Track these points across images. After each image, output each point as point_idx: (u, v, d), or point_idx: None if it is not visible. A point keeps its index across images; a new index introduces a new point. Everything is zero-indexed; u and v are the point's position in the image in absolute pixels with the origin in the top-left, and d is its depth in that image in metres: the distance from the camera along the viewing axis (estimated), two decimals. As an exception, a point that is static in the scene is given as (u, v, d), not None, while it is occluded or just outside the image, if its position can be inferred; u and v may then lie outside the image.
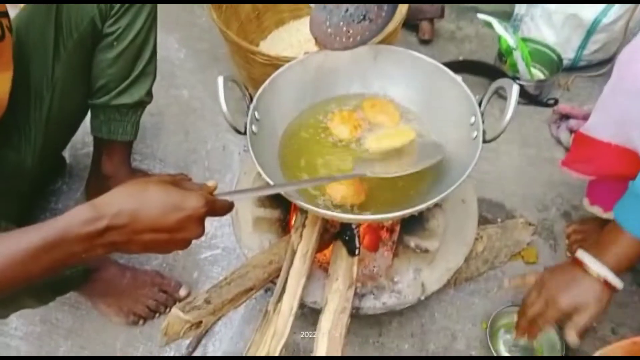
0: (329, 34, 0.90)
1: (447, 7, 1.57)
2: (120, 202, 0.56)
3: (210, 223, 1.18)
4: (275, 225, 0.96)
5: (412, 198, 0.83)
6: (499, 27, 1.34)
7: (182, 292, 1.07)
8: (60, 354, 1.04)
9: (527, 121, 1.40)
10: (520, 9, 1.51)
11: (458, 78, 0.89)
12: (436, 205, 0.92)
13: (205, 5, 1.21)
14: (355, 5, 0.89)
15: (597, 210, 1.05)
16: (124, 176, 1.14)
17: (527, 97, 1.40)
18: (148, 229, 0.56)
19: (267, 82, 0.90)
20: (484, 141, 0.81)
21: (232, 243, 1.15)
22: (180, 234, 0.58)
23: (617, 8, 1.32)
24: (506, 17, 1.51)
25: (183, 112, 1.41)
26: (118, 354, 1.03)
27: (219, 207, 0.62)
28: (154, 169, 1.27)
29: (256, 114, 0.87)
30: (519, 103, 0.78)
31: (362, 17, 0.88)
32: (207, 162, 1.30)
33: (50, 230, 0.55)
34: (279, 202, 0.95)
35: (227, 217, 1.18)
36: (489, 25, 1.37)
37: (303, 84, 0.94)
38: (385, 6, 0.88)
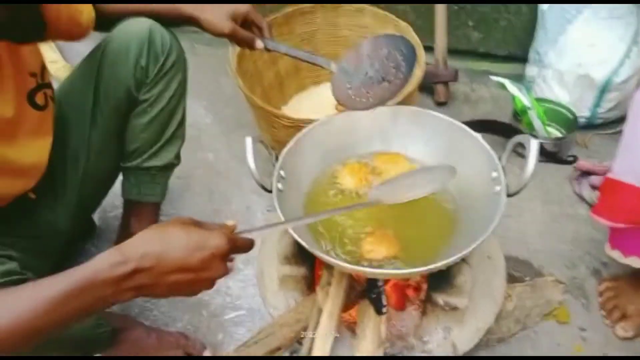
0: (350, 96, 0.94)
1: (461, 71, 1.63)
2: (145, 244, 0.58)
3: (235, 283, 1.19)
4: (301, 283, 0.96)
5: (439, 253, 0.83)
6: (512, 87, 1.39)
7: (207, 354, 1.06)
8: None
9: (547, 178, 1.41)
10: (531, 70, 1.56)
11: (477, 135, 0.92)
12: (463, 261, 0.92)
13: (230, 73, 1.28)
14: (375, 68, 0.94)
15: (617, 255, 1.03)
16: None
17: (546, 155, 1.42)
18: (174, 270, 0.58)
19: (292, 141, 0.93)
20: (508, 195, 0.82)
21: (256, 304, 1.14)
22: (204, 273, 0.60)
23: (627, 67, 1.36)
24: (518, 79, 1.56)
25: (208, 175, 1.45)
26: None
27: (241, 244, 0.64)
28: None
29: (282, 172, 0.89)
30: (538, 161, 0.79)
31: (381, 79, 0.93)
32: (231, 220, 1.32)
33: (79, 275, 0.57)
34: (304, 259, 0.96)
35: (252, 276, 1.19)
36: (502, 86, 1.42)
37: (326, 143, 0.98)
38: (403, 68, 0.93)
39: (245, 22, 1.02)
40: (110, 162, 1.11)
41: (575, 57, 1.43)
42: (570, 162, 1.42)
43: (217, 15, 0.99)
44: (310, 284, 0.97)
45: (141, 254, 0.57)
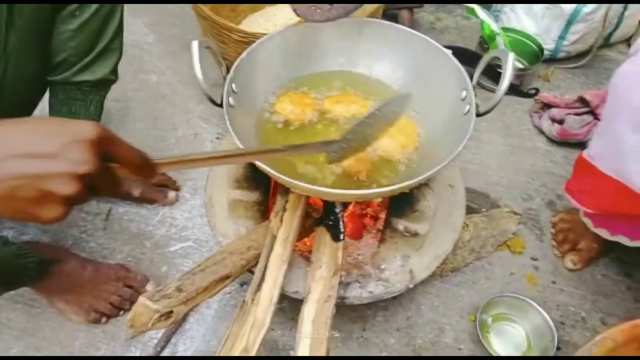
0: (310, 7, 0.83)
1: (427, -2, 1.54)
2: None
3: (180, 214, 1.10)
4: (253, 209, 0.89)
5: (400, 175, 0.78)
6: (481, 12, 1.32)
7: (149, 287, 0.98)
8: (12, 355, 0.93)
9: (508, 111, 1.38)
10: (500, -1, 1.50)
11: (447, 52, 0.85)
12: (426, 185, 0.87)
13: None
14: None
15: (603, 233, 1.01)
16: None
17: (508, 87, 1.38)
18: (16, 154, 0.41)
19: (245, 52, 0.83)
20: (478, 115, 0.76)
21: (204, 235, 1.07)
22: (60, 163, 0.42)
23: (597, -3, 1.32)
24: (486, 8, 1.49)
25: (151, 98, 1.32)
26: (77, 354, 0.93)
27: (126, 151, 0.46)
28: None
29: (233, 86, 0.80)
30: (492, 90, 0.74)
31: None
32: (177, 150, 1.22)
33: None
34: (258, 183, 0.88)
35: (199, 206, 1.11)
36: (471, 11, 1.35)
37: (284, 56, 0.88)
38: None
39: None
40: (34, 74, 0.96)
41: (545, -15, 1.37)
42: (531, 95, 1.39)
43: None
44: (263, 212, 0.91)
45: None
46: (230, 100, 0.78)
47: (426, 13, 1.61)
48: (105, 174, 0.45)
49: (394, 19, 1.54)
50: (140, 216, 1.09)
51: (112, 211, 1.09)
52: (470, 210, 1.16)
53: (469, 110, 0.78)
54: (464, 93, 0.80)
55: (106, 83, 1.01)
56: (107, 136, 0.44)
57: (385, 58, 0.91)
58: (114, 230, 1.07)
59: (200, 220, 1.09)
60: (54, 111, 1.00)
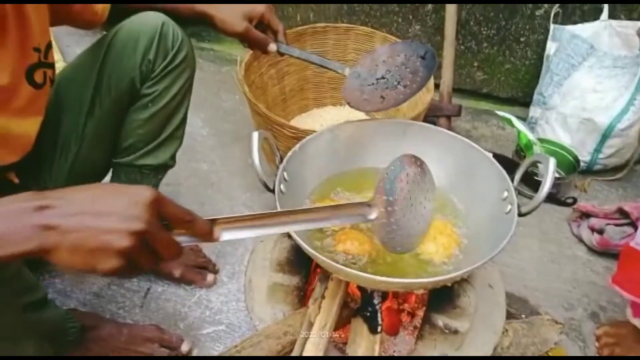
0: (363, 99, 0.91)
1: (463, 109, 1.63)
2: (65, 189, 0.51)
3: (216, 297, 1.11)
4: (292, 295, 0.90)
5: (447, 271, 0.79)
6: (518, 123, 1.39)
7: (185, 348, 0.98)
8: None
9: (546, 218, 1.38)
10: (535, 112, 1.57)
11: (488, 154, 0.89)
12: (467, 282, 0.87)
13: (236, 85, 1.25)
14: (391, 73, 0.92)
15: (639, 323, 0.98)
16: None
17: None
18: (83, 211, 0.48)
19: (297, 145, 0.90)
20: (520, 214, 0.79)
21: (238, 320, 1.07)
22: (117, 221, 0.48)
23: (631, 114, 1.38)
24: (521, 119, 1.57)
25: (200, 185, 1.40)
26: None
27: (174, 209, 0.52)
28: (165, 237, 1.23)
29: (285, 174, 0.85)
30: (529, 197, 0.77)
31: (396, 83, 0.91)
32: (219, 235, 1.26)
33: None
34: (299, 268, 0.90)
35: (236, 290, 1.12)
36: (508, 121, 1.42)
37: (332, 151, 0.94)
38: (421, 72, 0.90)
39: (261, 24, 1.00)
40: (102, 156, 1.05)
41: (579, 101, 1.44)
42: (569, 204, 1.40)
43: (232, 14, 0.97)
44: (301, 298, 0.91)
45: (55, 194, 0.49)
46: (282, 187, 0.83)
47: (462, 122, 1.69)
48: (158, 232, 0.51)
49: (433, 125, 1.63)
50: (177, 296, 1.11)
51: (150, 290, 1.12)
52: (508, 316, 1.12)
53: (510, 210, 0.80)
54: (505, 193, 0.83)
55: (165, 168, 1.09)
56: (161, 198, 0.51)
57: (427, 158, 0.96)
58: (151, 309, 1.08)
59: (235, 305, 1.09)
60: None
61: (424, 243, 0.82)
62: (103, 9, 0.93)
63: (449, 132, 0.95)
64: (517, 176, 0.84)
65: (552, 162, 0.77)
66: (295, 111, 1.54)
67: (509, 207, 0.81)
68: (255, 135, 0.80)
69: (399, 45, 0.96)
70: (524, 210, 0.79)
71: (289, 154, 0.88)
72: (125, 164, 1.05)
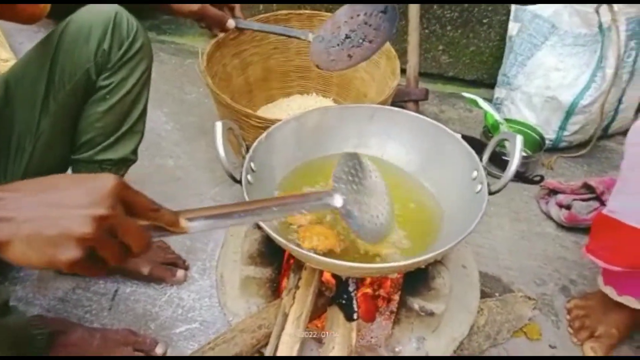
0: (331, 60, 0.93)
1: (430, 93, 1.64)
2: (23, 181, 0.48)
3: (188, 294, 1.08)
4: (265, 287, 0.88)
5: (419, 253, 0.78)
6: (484, 104, 1.39)
7: (159, 350, 0.95)
8: None
9: (515, 197, 1.40)
10: (500, 92, 1.59)
11: (457, 135, 0.89)
12: (440, 264, 0.87)
13: (199, 78, 1.21)
14: (355, 32, 0.93)
15: (609, 291, 1.00)
16: None
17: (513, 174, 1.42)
18: (41, 201, 0.45)
19: (264, 134, 0.88)
20: (490, 193, 0.79)
21: (212, 316, 1.04)
22: (79, 208, 0.45)
23: (592, 91, 1.40)
24: (486, 100, 1.58)
25: (165, 181, 1.36)
26: None
27: (141, 199, 0.50)
28: (131, 235, 1.19)
29: (252, 165, 0.83)
30: (497, 177, 0.78)
31: (361, 40, 0.92)
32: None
33: None
34: (271, 260, 0.88)
35: (208, 287, 1.09)
36: (474, 103, 1.43)
37: (299, 139, 0.92)
38: (383, 27, 0.91)
39: (215, 4, 0.98)
40: (59, 154, 1.00)
41: (543, 80, 1.46)
42: (536, 182, 1.42)
43: None
44: (274, 290, 0.89)
45: (7, 187, 0.47)
46: (249, 177, 0.81)
47: (430, 105, 1.70)
48: (124, 219, 0.48)
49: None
50: (147, 296, 1.07)
51: (118, 291, 1.08)
52: (483, 295, 1.13)
53: (480, 189, 0.80)
54: (475, 173, 0.83)
55: (126, 162, 1.05)
56: (124, 185, 0.49)
57: (396, 141, 0.96)
58: (119, 311, 1.04)
59: (208, 301, 1.06)
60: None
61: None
62: (46, 4, 0.88)
63: (417, 114, 0.94)
64: (486, 155, 0.84)
65: (519, 139, 0.77)
66: (261, 101, 1.51)
67: (479, 186, 0.80)
68: (219, 124, 0.77)
69: (358, 5, 0.96)
70: (493, 188, 0.79)
71: (255, 143, 0.86)
72: (84, 159, 1.00)
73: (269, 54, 1.46)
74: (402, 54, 1.53)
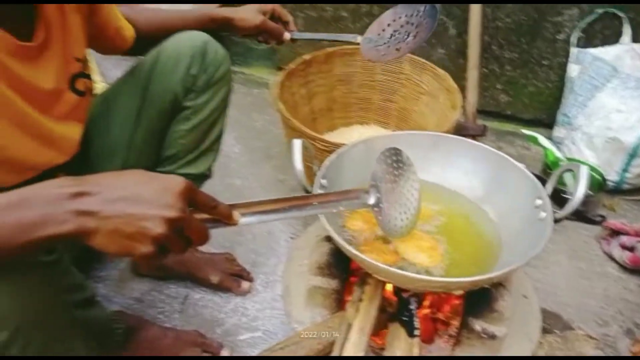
0: (381, 55, 1.06)
1: (488, 129, 1.66)
2: (100, 175, 0.55)
3: (252, 304, 1.14)
4: (330, 298, 0.92)
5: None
6: (544, 140, 1.41)
7: (225, 353, 1.01)
8: None
9: (574, 235, 1.39)
10: (560, 132, 1.60)
11: (519, 164, 0.92)
12: (503, 287, 0.88)
13: (266, 107, 1.32)
14: (398, 32, 1.06)
15: None
16: None
17: (573, 213, 1.40)
18: (121, 197, 0.53)
19: (333, 155, 0.94)
20: (555, 220, 0.81)
21: (274, 326, 1.09)
22: (155, 209, 0.53)
23: (657, 133, 1.39)
24: (547, 138, 1.59)
25: (234, 199, 1.41)
26: None
27: (202, 197, 0.58)
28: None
29: (324, 181, 0.89)
30: (565, 218, 0.81)
31: (406, 36, 1.04)
32: (252, 245, 1.30)
33: (25, 189, 0.52)
34: (339, 272, 0.93)
35: (270, 299, 1.14)
36: (533, 140, 1.45)
37: (367, 160, 0.97)
38: (424, 23, 1.03)
39: (272, 18, 1.11)
40: (145, 166, 1.10)
41: (604, 121, 1.46)
42: (598, 222, 1.41)
43: (248, 12, 1.09)
44: (339, 302, 0.93)
45: (91, 180, 0.54)
46: (320, 192, 0.87)
47: (487, 142, 1.71)
48: (191, 219, 0.56)
49: (458, 145, 1.66)
50: (214, 303, 1.14)
51: (189, 296, 1.15)
52: (542, 330, 1.12)
53: (545, 216, 0.82)
54: (538, 201, 0.86)
55: (203, 178, 1.14)
56: (192, 188, 0.57)
57: (458, 169, 0.99)
58: (189, 314, 1.11)
59: (270, 312, 1.12)
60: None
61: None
62: (130, 37, 1.01)
63: (479, 143, 0.98)
64: (549, 186, 0.86)
65: (584, 169, 0.79)
66: (323, 130, 1.59)
67: (543, 214, 0.82)
68: (297, 142, 0.84)
69: (399, 8, 1.09)
70: (558, 215, 0.80)
71: (326, 162, 0.92)
72: (167, 172, 1.09)
73: (333, 85, 1.55)
74: (461, 91, 1.58)
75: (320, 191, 0.87)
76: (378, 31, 1.09)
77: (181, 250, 0.57)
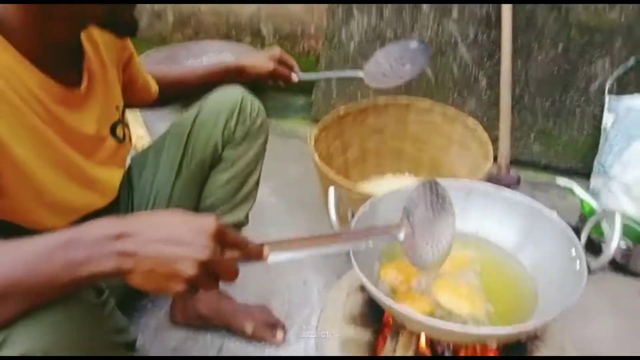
0: (386, 82, 1.23)
1: (522, 180, 1.66)
2: (137, 216, 0.59)
3: (286, 355, 1.14)
4: (364, 350, 0.92)
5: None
6: (580, 191, 1.40)
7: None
8: None
9: (616, 290, 1.34)
10: (596, 182, 1.58)
11: (553, 213, 0.92)
12: (539, 340, 0.87)
13: (301, 157, 1.38)
14: (392, 65, 1.23)
15: None
16: (210, 296, 1.17)
17: (614, 266, 1.37)
18: (158, 239, 0.56)
19: (367, 203, 0.96)
20: (590, 272, 0.80)
21: (306, 377, 1.09)
22: (188, 249, 0.56)
23: (698, 184, 1.36)
24: (583, 188, 1.57)
25: (268, 248, 1.47)
26: None
27: (232, 236, 0.61)
28: (235, 295, 1.30)
29: (357, 229, 0.91)
30: (605, 271, 0.80)
31: (404, 63, 1.22)
32: (286, 295, 1.31)
33: (68, 232, 0.56)
34: (372, 321, 0.93)
35: (302, 350, 1.14)
36: (569, 191, 1.43)
37: (398, 211, 1.00)
38: (419, 53, 1.22)
39: (280, 63, 1.21)
40: (186, 212, 1.16)
41: (641, 170, 1.44)
42: (640, 275, 1.36)
43: (259, 59, 1.20)
44: (372, 353, 0.93)
45: (130, 221, 0.58)
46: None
47: (522, 192, 1.70)
48: (222, 260, 0.59)
49: (491, 195, 1.65)
50: (248, 353, 1.15)
51: (223, 346, 1.16)
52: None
53: (579, 267, 0.81)
54: (573, 251, 0.85)
55: (240, 226, 1.19)
56: (223, 228, 0.60)
57: (491, 218, 1.00)
58: (221, 362, 1.12)
59: (301, 362, 1.12)
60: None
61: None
62: (155, 91, 1.12)
63: (511, 193, 0.99)
64: (584, 235, 0.86)
65: (618, 216, 0.79)
66: (356, 180, 1.63)
67: (579, 263, 0.82)
68: (332, 190, 0.87)
69: (391, 46, 1.29)
70: (593, 266, 0.80)
71: (360, 210, 0.94)
72: (207, 223, 1.15)
73: (366, 135, 1.59)
74: (494, 141, 1.60)
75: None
76: (375, 66, 1.25)
77: (210, 287, 0.61)
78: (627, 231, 1.44)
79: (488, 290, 0.91)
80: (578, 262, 0.82)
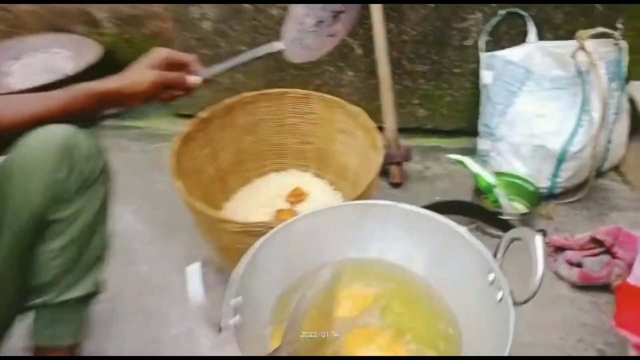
0: (316, 49, 1.04)
1: (412, 149, 1.56)
2: None
3: None
4: None
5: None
6: (473, 165, 1.32)
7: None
8: None
9: (518, 258, 1.31)
10: (484, 144, 1.52)
11: (461, 228, 0.79)
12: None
13: (170, 175, 1.11)
14: (321, 16, 1.03)
15: None
16: None
17: (508, 230, 1.33)
18: None
19: (247, 257, 0.76)
20: (516, 303, 0.68)
21: None
22: None
23: (581, 136, 1.34)
24: (470, 153, 1.51)
25: (142, 292, 1.22)
26: None
27: None
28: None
29: (237, 300, 0.71)
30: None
31: (334, 15, 1.03)
32: (171, 351, 1.09)
33: None
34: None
35: None
36: (460, 164, 1.35)
37: (286, 255, 0.81)
38: (342, 21, 1.03)
39: (170, 67, 0.91)
40: (6, 304, 0.86)
41: (526, 128, 1.40)
42: (540, 239, 1.34)
43: (135, 73, 0.88)
44: None
45: None
46: (234, 320, 0.69)
47: (413, 163, 1.61)
48: None
49: (385, 174, 1.54)
50: None
51: None
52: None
53: (502, 297, 0.70)
54: (491, 276, 0.73)
55: (92, 297, 0.92)
56: None
57: (395, 240, 0.85)
58: None
59: None
60: (37, 337, 0.89)
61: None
62: None
63: (407, 206, 0.84)
64: (500, 254, 0.75)
65: (538, 240, 0.68)
66: (235, 186, 1.40)
67: (500, 293, 0.70)
68: (192, 268, 0.65)
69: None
70: (519, 298, 0.69)
71: (238, 271, 0.74)
72: (41, 305, 0.87)
73: (239, 137, 1.37)
74: (378, 111, 1.46)
75: (235, 318, 0.69)
76: (297, 27, 1.00)
77: None
78: (520, 192, 1.41)
79: (401, 324, 0.77)
80: (500, 291, 0.70)
